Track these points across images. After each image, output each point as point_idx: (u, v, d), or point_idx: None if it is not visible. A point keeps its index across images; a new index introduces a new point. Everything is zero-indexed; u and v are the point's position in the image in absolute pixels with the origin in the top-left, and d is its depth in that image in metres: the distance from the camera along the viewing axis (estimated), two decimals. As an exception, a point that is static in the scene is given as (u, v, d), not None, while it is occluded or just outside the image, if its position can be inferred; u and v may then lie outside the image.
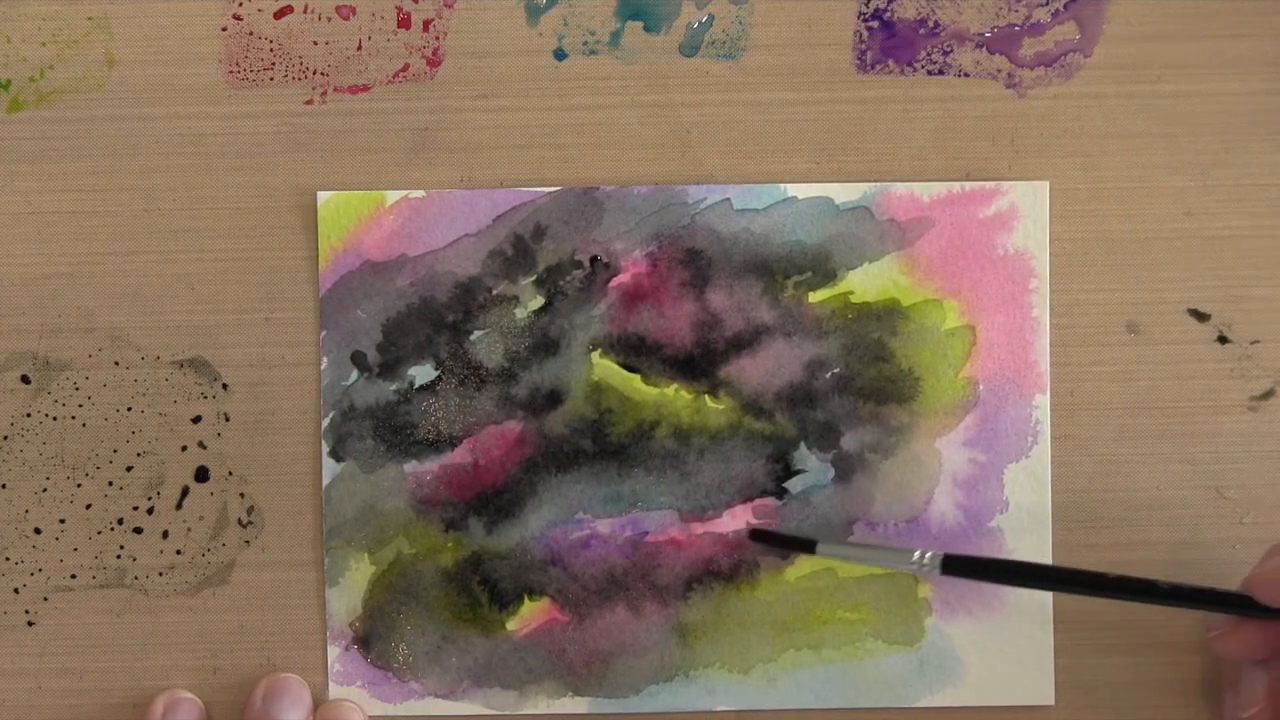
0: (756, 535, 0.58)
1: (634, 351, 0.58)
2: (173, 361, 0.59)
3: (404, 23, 0.58)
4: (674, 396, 0.58)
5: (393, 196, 0.58)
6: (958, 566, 0.55)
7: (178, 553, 0.59)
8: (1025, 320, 0.58)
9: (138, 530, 0.59)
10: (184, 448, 0.59)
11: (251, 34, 0.58)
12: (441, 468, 0.58)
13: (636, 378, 0.58)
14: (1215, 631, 0.53)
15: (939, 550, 0.55)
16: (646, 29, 0.59)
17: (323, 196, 0.58)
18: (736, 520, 0.58)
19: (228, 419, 0.59)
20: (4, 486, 0.59)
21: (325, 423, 0.58)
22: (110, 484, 0.59)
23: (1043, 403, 0.58)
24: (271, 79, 0.58)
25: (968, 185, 0.58)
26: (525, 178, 0.58)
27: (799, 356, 0.58)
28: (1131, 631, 0.58)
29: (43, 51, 0.58)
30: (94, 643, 0.59)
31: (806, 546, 0.57)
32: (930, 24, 0.58)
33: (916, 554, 0.55)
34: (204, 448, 0.59)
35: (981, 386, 0.58)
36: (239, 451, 0.59)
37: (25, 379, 0.59)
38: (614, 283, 0.58)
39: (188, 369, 0.59)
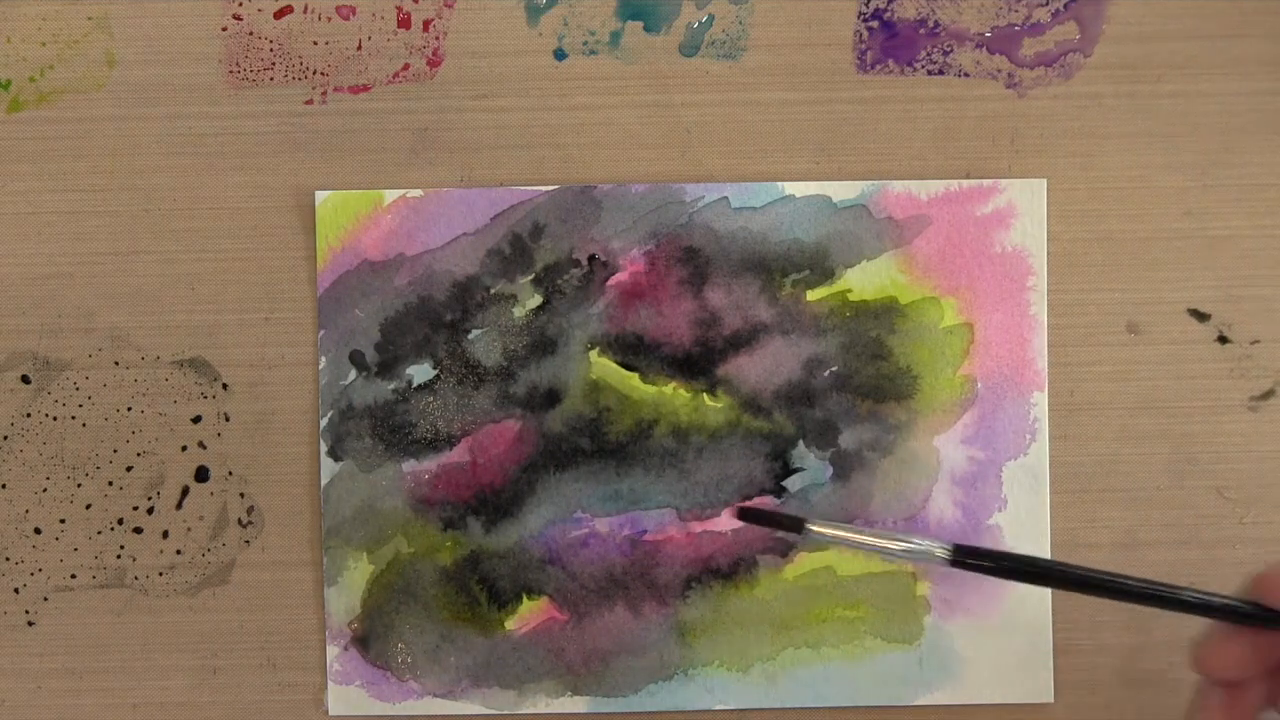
0: (745, 514, 0.55)
1: (632, 350, 0.58)
2: (173, 361, 0.59)
3: (404, 23, 0.58)
4: (672, 395, 0.58)
5: (390, 196, 0.58)
6: (967, 558, 0.48)
7: (178, 553, 0.59)
8: (1023, 318, 0.58)
9: (138, 530, 0.59)
10: (184, 448, 0.59)
11: (251, 34, 0.59)
12: (440, 467, 0.58)
13: (635, 376, 0.58)
14: (1208, 641, 0.47)
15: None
16: (646, 29, 0.59)
17: (320, 196, 0.58)
18: (735, 519, 0.58)
19: (228, 419, 0.59)
20: (4, 486, 0.59)
21: (324, 422, 0.58)
22: (110, 484, 0.59)
23: (1041, 400, 0.58)
24: (271, 79, 0.59)
25: (965, 183, 0.58)
26: (525, 178, 0.58)
27: (797, 355, 0.58)
28: (1131, 631, 0.58)
29: (43, 51, 0.58)
30: (94, 643, 0.59)
31: (794, 525, 0.51)
32: (930, 24, 0.58)
33: (919, 542, 0.49)
34: (204, 448, 0.59)
35: (980, 384, 0.58)
36: (239, 451, 0.59)
37: (25, 379, 0.59)
38: (612, 281, 0.58)
39: (188, 369, 0.59)
